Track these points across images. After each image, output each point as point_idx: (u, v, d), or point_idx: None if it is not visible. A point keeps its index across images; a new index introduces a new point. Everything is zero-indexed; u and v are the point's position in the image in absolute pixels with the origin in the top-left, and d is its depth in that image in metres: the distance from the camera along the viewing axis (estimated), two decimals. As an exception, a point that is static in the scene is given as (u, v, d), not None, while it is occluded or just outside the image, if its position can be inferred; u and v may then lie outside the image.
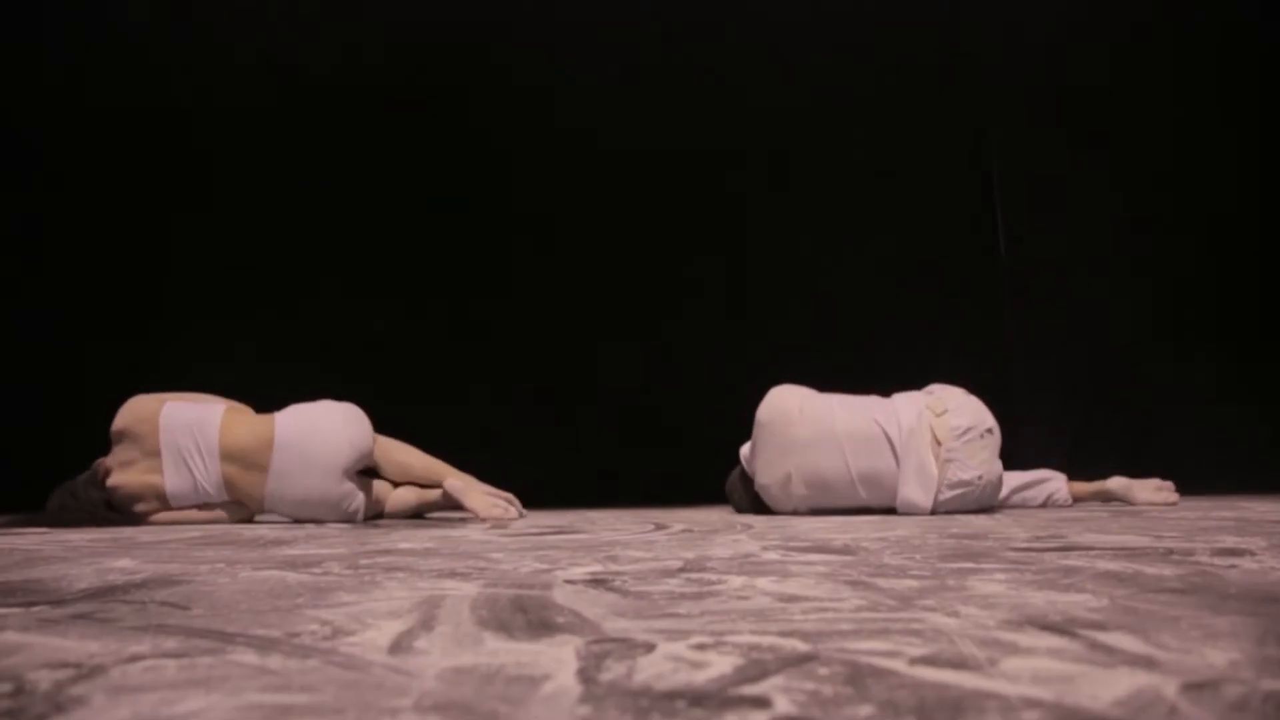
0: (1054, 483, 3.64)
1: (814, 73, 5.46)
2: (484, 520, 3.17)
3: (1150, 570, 1.28)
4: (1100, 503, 3.76)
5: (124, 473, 3.15)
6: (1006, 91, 5.59)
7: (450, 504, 3.42)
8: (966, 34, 5.59)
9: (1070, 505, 3.63)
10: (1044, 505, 3.57)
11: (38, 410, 4.72)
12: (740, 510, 3.54)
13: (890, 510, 3.25)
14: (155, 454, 3.15)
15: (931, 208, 5.56)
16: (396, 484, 3.49)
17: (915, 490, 3.17)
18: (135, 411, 3.20)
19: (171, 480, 3.12)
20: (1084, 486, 3.71)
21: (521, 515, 3.35)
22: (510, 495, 3.43)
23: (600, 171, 5.49)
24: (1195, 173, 5.43)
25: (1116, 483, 3.68)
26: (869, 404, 3.38)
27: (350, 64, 5.35)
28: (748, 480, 3.51)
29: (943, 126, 5.61)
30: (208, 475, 3.15)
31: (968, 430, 3.21)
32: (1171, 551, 1.54)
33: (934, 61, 5.58)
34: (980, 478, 3.17)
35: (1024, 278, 5.56)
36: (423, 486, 3.49)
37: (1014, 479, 3.55)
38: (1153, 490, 3.66)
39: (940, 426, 3.22)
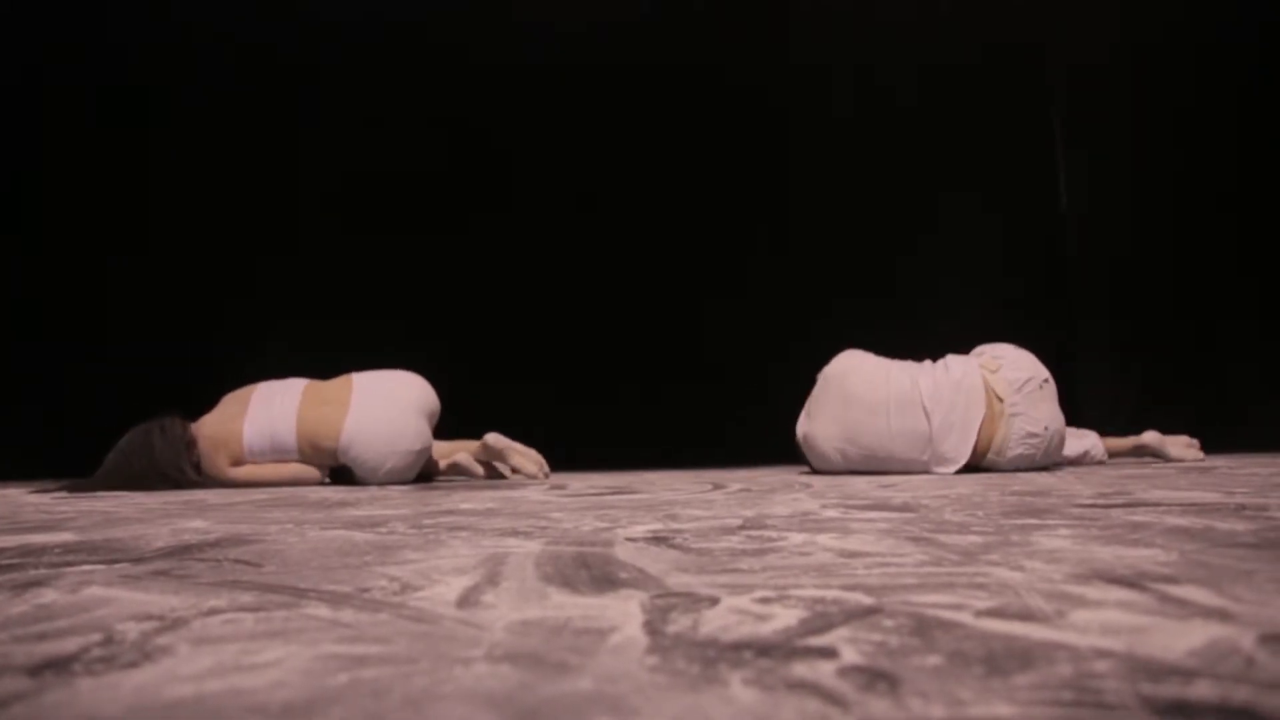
0: (1089, 439, 3.56)
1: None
2: (531, 476, 3.35)
3: (1222, 526, 1.25)
4: (1135, 458, 3.69)
5: (211, 423, 3.34)
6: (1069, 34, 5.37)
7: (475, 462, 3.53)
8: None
9: (1106, 462, 3.55)
10: (1078, 462, 3.47)
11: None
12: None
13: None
14: (244, 402, 3.37)
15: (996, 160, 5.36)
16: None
17: (949, 446, 3.09)
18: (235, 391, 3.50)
19: (249, 427, 3.25)
20: (1119, 442, 3.64)
21: (547, 476, 3.43)
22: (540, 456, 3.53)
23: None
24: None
25: (1151, 437, 3.63)
26: (918, 367, 3.30)
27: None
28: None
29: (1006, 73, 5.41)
30: (285, 416, 3.26)
31: (1026, 382, 3.15)
32: (1244, 507, 1.51)
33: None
34: (1047, 428, 3.12)
35: (1086, 230, 5.37)
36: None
37: None
38: (1183, 446, 3.63)
39: (998, 383, 3.15)
